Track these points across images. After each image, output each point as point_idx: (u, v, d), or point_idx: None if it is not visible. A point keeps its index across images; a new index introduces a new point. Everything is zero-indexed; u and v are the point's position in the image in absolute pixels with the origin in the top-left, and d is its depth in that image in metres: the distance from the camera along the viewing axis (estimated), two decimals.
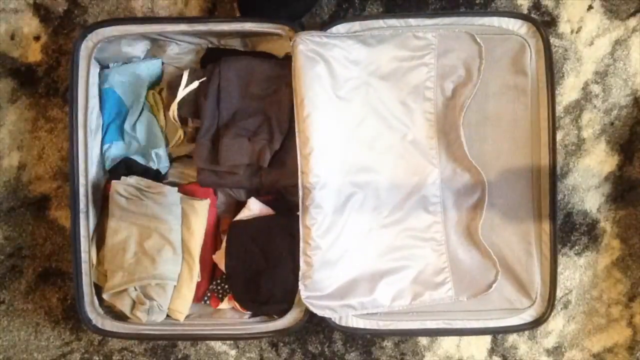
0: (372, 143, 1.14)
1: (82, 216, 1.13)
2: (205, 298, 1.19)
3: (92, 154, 1.15)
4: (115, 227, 1.13)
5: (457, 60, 1.14)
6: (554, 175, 1.14)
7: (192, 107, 1.16)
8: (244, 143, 1.12)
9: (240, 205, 1.20)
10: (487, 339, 1.28)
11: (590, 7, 1.24)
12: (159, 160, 1.19)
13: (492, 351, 1.28)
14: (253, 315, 1.17)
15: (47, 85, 1.26)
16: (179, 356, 1.28)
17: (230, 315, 1.18)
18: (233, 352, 1.28)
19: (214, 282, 1.20)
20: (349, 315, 1.15)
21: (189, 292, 1.15)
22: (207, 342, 1.28)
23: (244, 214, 1.17)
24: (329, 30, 1.13)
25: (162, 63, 1.22)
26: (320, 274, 1.09)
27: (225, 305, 1.19)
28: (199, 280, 1.17)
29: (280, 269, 1.12)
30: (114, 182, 1.14)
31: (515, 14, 1.15)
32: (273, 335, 1.17)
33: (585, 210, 1.26)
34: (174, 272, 1.13)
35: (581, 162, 1.25)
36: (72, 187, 1.12)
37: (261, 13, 1.15)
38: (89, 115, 1.13)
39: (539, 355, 1.28)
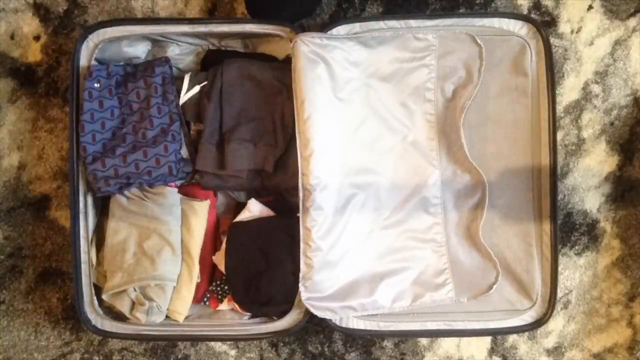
0: (372, 144, 1.14)
1: (81, 216, 1.13)
2: (205, 299, 1.19)
3: None
4: (115, 227, 1.13)
5: (457, 61, 1.14)
6: (554, 176, 1.14)
7: (194, 110, 1.16)
8: (250, 148, 1.12)
9: (240, 206, 1.20)
10: (487, 339, 1.28)
11: (590, 7, 1.24)
12: None
13: (492, 351, 1.28)
14: (253, 317, 1.17)
15: (47, 85, 1.26)
16: (179, 356, 1.28)
17: (229, 316, 1.18)
18: (233, 352, 1.28)
19: (214, 283, 1.20)
20: (350, 317, 1.14)
21: (188, 293, 1.15)
22: (207, 342, 1.27)
23: (244, 215, 1.17)
24: (329, 32, 1.13)
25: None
26: (321, 276, 1.09)
27: (224, 306, 1.19)
28: (199, 281, 1.17)
29: (280, 270, 1.12)
30: None
31: (516, 15, 1.15)
32: (273, 336, 1.17)
33: (585, 210, 1.26)
34: (173, 273, 1.13)
35: (581, 162, 1.25)
36: (72, 187, 1.12)
37: (267, 12, 1.15)
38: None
39: (539, 355, 1.28)
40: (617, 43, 1.24)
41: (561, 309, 1.27)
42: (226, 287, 1.18)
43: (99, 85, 1.12)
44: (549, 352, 1.28)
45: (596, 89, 1.24)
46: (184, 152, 1.15)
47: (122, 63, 1.18)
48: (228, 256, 1.15)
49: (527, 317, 1.16)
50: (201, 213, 1.16)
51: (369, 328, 1.16)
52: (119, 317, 1.15)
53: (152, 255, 1.11)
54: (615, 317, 1.27)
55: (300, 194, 1.08)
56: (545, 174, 1.15)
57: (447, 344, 1.28)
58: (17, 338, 1.28)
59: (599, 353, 1.28)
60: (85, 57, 1.13)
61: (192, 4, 1.25)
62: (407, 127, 1.15)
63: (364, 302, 1.11)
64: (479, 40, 1.12)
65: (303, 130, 1.07)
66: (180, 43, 1.20)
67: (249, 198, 1.18)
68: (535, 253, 1.15)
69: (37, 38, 1.26)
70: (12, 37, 1.26)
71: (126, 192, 1.14)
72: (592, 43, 1.24)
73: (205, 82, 1.15)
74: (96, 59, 1.14)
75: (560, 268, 1.17)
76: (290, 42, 1.09)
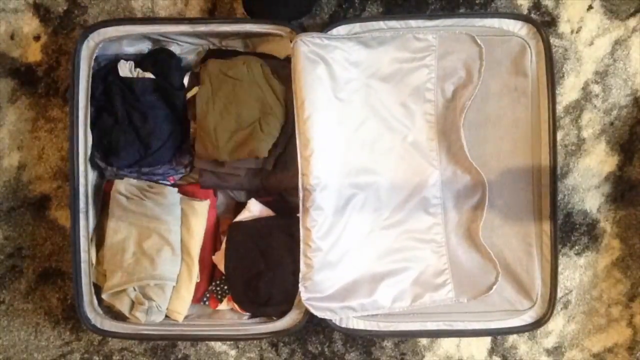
0: (372, 145, 1.14)
1: (81, 216, 1.13)
2: (204, 299, 1.19)
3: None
4: (114, 227, 1.13)
5: (457, 61, 1.14)
6: (555, 176, 1.14)
7: (194, 109, 1.15)
8: None
9: (240, 206, 1.20)
10: (487, 339, 1.28)
11: (590, 7, 1.24)
12: None
13: (492, 351, 1.28)
14: (252, 317, 1.17)
15: (47, 85, 1.26)
16: (179, 356, 1.28)
17: (229, 316, 1.18)
18: (233, 352, 1.28)
19: (213, 283, 1.20)
20: (350, 317, 1.15)
21: (187, 292, 1.15)
22: (207, 342, 1.27)
23: (244, 215, 1.17)
24: (329, 32, 1.13)
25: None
26: (321, 276, 1.09)
27: (224, 306, 1.19)
28: (198, 281, 1.17)
29: (280, 271, 1.12)
30: (116, 181, 1.15)
31: (516, 15, 1.15)
32: (273, 336, 1.17)
33: (585, 210, 1.26)
34: (173, 273, 1.14)
35: (581, 162, 1.25)
36: (72, 187, 1.12)
37: (265, 12, 1.15)
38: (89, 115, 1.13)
39: (539, 355, 1.28)
40: (617, 43, 1.24)
41: (561, 309, 1.27)
42: (226, 287, 1.18)
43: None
44: (549, 352, 1.28)
45: (596, 89, 1.24)
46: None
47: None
48: (228, 256, 1.15)
49: (527, 317, 1.16)
50: (201, 213, 1.16)
51: (369, 328, 1.16)
52: (118, 316, 1.16)
53: (151, 255, 1.12)
54: (615, 317, 1.27)
55: (300, 194, 1.08)
56: (545, 174, 1.15)
57: (447, 344, 1.28)
58: (17, 338, 1.28)
59: (599, 353, 1.28)
60: (85, 57, 1.12)
61: (192, 4, 1.25)
62: (407, 127, 1.15)
63: (364, 302, 1.11)
64: (479, 41, 1.12)
65: (303, 130, 1.07)
66: (180, 43, 1.20)
67: (249, 198, 1.18)
68: (535, 253, 1.15)
69: (37, 38, 1.26)
70: (12, 37, 1.26)
71: (126, 192, 1.14)
72: (592, 43, 1.24)
73: None
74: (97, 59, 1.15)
75: (560, 268, 1.17)
76: (291, 42, 1.09)
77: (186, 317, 1.17)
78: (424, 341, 1.28)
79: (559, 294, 1.22)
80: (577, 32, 1.24)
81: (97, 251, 1.16)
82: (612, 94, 1.24)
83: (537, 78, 1.15)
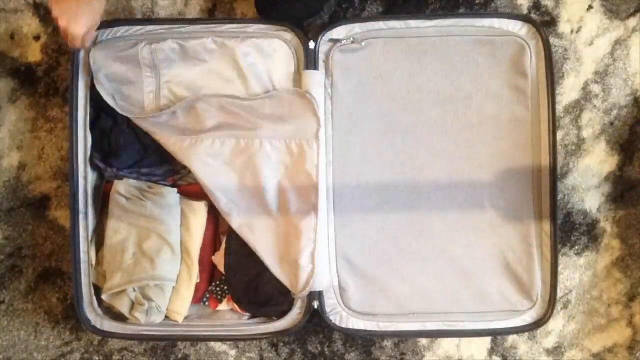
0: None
1: (81, 216, 1.13)
2: (204, 299, 1.19)
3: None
4: (114, 227, 1.13)
5: None
6: (554, 176, 1.14)
7: None
8: None
9: None
10: (487, 339, 1.28)
11: (590, 7, 1.24)
12: None
13: (492, 351, 1.28)
14: (252, 317, 1.17)
15: (47, 85, 1.26)
16: (179, 356, 1.28)
17: (229, 316, 1.18)
18: (233, 352, 1.28)
19: (213, 284, 1.20)
20: (349, 317, 1.15)
21: (187, 293, 1.15)
22: (207, 342, 1.27)
23: None
24: (329, 32, 1.14)
25: None
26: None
27: (224, 306, 1.19)
28: (198, 281, 1.17)
29: None
30: (116, 181, 1.15)
31: (515, 16, 1.15)
32: (273, 336, 1.17)
33: (585, 210, 1.26)
34: (172, 274, 1.14)
35: (581, 162, 1.25)
36: (72, 187, 1.12)
37: (278, 12, 1.15)
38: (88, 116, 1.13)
39: (539, 355, 1.28)
40: (617, 43, 1.24)
41: (561, 309, 1.26)
42: (226, 287, 1.18)
43: None
44: (549, 352, 1.28)
45: (596, 89, 1.24)
46: None
47: None
48: (227, 256, 1.15)
49: (527, 318, 1.16)
50: (201, 213, 1.16)
51: (369, 328, 1.16)
52: (118, 317, 1.16)
53: (151, 255, 1.12)
54: (615, 317, 1.27)
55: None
56: (545, 174, 1.15)
57: (447, 344, 1.28)
58: (17, 338, 1.28)
59: (599, 353, 1.28)
60: (84, 59, 1.12)
61: (192, 4, 1.25)
62: None
63: None
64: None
65: None
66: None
67: None
68: (536, 253, 1.15)
69: (37, 38, 1.26)
70: (12, 37, 1.26)
71: (125, 193, 1.14)
72: (592, 43, 1.24)
73: None
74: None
75: (560, 268, 1.17)
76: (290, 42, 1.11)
77: (186, 318, 1.17)
78: (424, 341, 1.28)
79: (559, 294, 1.22)
80: (577, 32, 1.24)
81: (97, 252, 1.16)
82: (612, 94, 1.24)
83: (537, 78, 1.15)
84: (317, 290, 1.14)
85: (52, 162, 1.27)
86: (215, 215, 1.21)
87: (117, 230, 1.13)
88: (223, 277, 1.18)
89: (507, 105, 1.15)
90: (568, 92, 1.24)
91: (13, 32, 1.26)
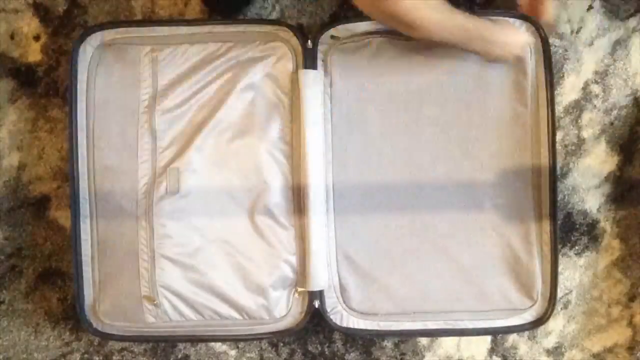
0: None
1: (82, 217, 1.13)
2: None
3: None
4: None
5: None
6: (554, 175, 1.14)
7: None
8: None
9: None
10: (487, 339, 1.28)
11: (590, 7, 1.24)
12: None
13: (492, 351, 1.28)
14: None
15: (47, 85, 1.26)
16: (179, 356, 1.28)
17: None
18: (233, 352, 1.28)
19: None
20: (349, 316, 1.15)
21: None
22: (207, 342, 1.27)
23: None
24: (328, 31, 1.14)
25: None
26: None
27: None
28: None
29: None
30: None
31: (515, 15, 1.15)
32: (273, 336, 1.17)
33: (585, 210, 1.26)
34: None
35: (581, 162, 1.25)
36: (72, 187, 1.12)
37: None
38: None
39: (539, 355, 1.28)
40: (617, 43, 1.24)
41: (561, 309, 1.26)
42: None
43: None
44: (549, 352, 1.28)
45: (596, 89, 1.24)
46: None
47: None
48: None
49: (528, 316, 1.16)
50: None
51: (369, 328, 1.16)
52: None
53: None
54: (615, 317, 1.27)
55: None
56: (545, 174, 1.15)
57: (447, 344, 1.28)
58: (17, 338, 1.28)
59: (599, 353, 1.28)
60: (83, 60, 1.13)
61: (192, 4, 1.25)
62: None
63: None
64: None
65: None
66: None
67: None
68: (536, 252, 1.15)
69: (37, 38, 1.26)
70: (12, 37, 1.26)
71: None
72: (592, 43, 1.24)
73: None
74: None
75: (560, 268, 1.18)
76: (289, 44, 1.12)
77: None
78: (424, 341, 1.28)
79: (559, 294, 1.22)
80: (577, 32, 1.24)
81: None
82: (612, 94, 1.24)
83: (537, 77, 1.15)
84: (317, 290, 1.14)
85: (52, 162, 1.27)
86: None
87: None
88: None
89: (507, 105, 1.15)
90: (568, 92, 1.24)
91: (13, 32, 1.26)
